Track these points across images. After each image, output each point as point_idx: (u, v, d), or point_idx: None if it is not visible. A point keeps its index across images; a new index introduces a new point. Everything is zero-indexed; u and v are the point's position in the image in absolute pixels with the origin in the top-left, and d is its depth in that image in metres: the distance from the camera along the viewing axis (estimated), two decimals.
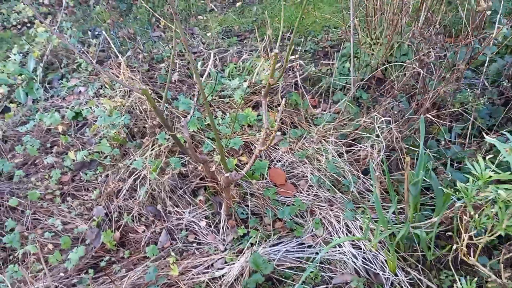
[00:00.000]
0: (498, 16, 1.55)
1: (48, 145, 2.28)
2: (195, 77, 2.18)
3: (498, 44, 1.76)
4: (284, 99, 1.24)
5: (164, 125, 1.59)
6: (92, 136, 2.28)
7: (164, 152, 2.03)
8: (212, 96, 2.33)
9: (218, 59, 2.69)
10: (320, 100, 2.25)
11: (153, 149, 2.06)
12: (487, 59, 1.67)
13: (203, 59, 2.70)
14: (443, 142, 1.71)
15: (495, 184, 1.01)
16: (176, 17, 1.21)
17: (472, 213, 1.01)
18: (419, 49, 1.59)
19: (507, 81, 1.68)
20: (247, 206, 1.81)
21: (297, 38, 2.75)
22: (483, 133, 1.60)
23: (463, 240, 1.13)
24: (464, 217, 1.09)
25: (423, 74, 1.52)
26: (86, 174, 2.08)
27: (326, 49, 2.59)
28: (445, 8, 2.02)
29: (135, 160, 2.02)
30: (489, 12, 1.73)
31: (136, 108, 2.19)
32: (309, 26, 2.81)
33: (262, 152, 1.79)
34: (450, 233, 1.34)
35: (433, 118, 1.52)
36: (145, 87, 2.38)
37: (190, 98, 2.29)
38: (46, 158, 2.16)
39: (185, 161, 2.00)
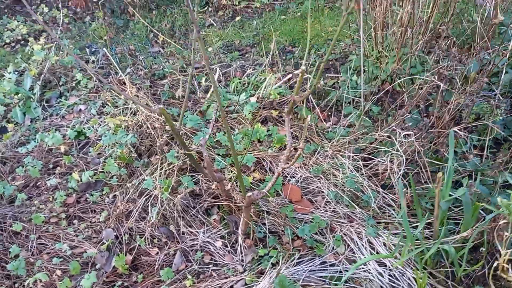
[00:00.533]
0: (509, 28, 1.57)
1: (50, 166, 2.19)
2: (214, 92, 2.14)
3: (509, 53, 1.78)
4: (308, 116, 1.21)
5: (181, 144, 1.54)
6: (96, 155, 2.20)
7: (174, 171, 1.98)
8: (219, 112, 2.28)
9: (221, 74, 2.66)
10: (330, 114, 2.23)
11: (162, 168, 2.00)
12: (503, 70, 1.68)
13: (205, 74, 2.66)
14: (460, 155, 1.70)
15: None
16: (196, 32, 1.17)
17: None
18: (438, 61, 1.58)
19: None
20: (264, 224, 1.76)
21: (300, 52, 2.75)
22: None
23: (504, 255, 1.10)
24: (506, 233, 1.06)
25: (442, 87, 1.52)
26: (92, 195, 2.00)
27: (331, 62, 2.59)
28: (451, 20, 2.04)
29: (144, 179, 1.95)
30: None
31: (143, 126, 2.13)
32: (312, 40, 2.81)
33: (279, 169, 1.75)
34: (482, 248, 1.32)
35: (459, 131, 1.51)
36: (153, 104, 2.32)
37: (197, 114, 2.25)
38: (49, 179, 2.08)
39: (197, 179, 1.94)
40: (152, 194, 1.90)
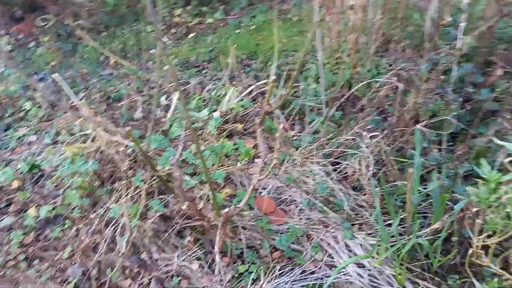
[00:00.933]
0: (461, 27, 1.67)
1: (3, 204, 2.03)
2: (180, 108, 2.08)
3: (455, 52, 1.88)
4: (281, 124, 1.21)
5: (150, 166, 1.48)
6: (54, 188, 2.07)
7: (142, 195, 1.89)
8: (182, 130, 2.24)
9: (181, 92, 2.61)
10: (293, 122, 2.25)
11: (128, 193, 1.91)
12: (455, 68, 1.78)
13: (164, 93, 2.61)
14: (421, 151, 1.77)
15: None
16: (162, 47, 1.14)
17: (490, 216, 1.02)
18: (391, 65, 1.65)
19: (470, 87, 1.79)
20: (240, 240, 1.73)
21: (257, 64, 2.76)
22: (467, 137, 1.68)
23: (477, 243, 1.14)
24: (477, 220, 1.10)
25: (400, 88, 1.58)
26: (53, 231, 1.87)
27: (289, 72, 2.63)
28: (401, 24, 2.15)
29: (109, 208, 1.85)
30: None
31: (104, 152, 2.03)
32: (268, 52, 2.84)
33: (254, 181, 1.73)
34: (453, 238, 1.36)
35: (424, 129, 1.57)
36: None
37: (159, 134, 2.18)
38: (3, 219, 1.92)
39: (167, 201, 1.87)
40: (120, 222, 1.81)
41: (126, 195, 1.92)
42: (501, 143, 0.97)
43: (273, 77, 1.17)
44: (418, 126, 1.49)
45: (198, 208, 1.71)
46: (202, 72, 2.86)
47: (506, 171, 1.07)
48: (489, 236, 1.12)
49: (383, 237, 1.43)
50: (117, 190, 1.96)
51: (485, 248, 1.16)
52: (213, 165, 2.01)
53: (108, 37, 3.29)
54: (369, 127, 1.91)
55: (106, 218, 1.85)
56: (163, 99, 2.48)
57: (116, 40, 3.23)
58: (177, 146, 2.22)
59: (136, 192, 1.91)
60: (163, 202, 1.87)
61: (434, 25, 1.78)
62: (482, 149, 1.68)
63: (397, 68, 1.64)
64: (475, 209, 1.09)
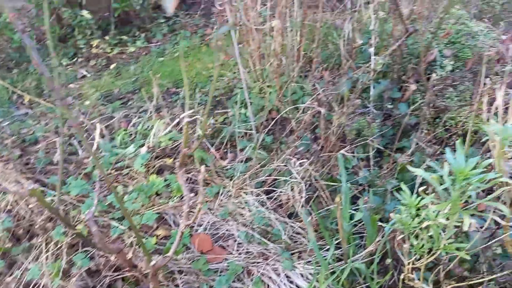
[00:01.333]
0: (372, 49, 1.74)
1: None
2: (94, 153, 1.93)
3: (371, 71, 1.96)
4: (203, 166, 1.15)
5: (65, 224, 1.33)
6: None
7: (64, 250, 1.72)
8: (107, 170, 2.09)
9: (104, 128, 2.45)
10: (226, 151, 2.20)
11: (48, 249, 1.73)
12: (371, 86, 1.85)
13: (86, 130, 2.43)
14: (350, 171, 1.80)
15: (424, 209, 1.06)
16: (60, 101, 1.03)
17: (413, 242, 1.03)
18: (314, 85, 1.67)
19: (389, 103, 1.87)
20: (177, 286, 1.62)
21: (184, 92, 2.69)
22: (391, 153, 1.72)
23: (408, 266, 1.15)
24: (404, 245, 1.11)
25: (323, 112, 1.60)
26: None
27: (217, 98, 2.58)
28: (319, 45, 2.20)
29: (27, 268, 1.65)
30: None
31: (17, 206, 1.83)
32: (194, 78, 2.78)
33: (181, 227, 1.64)
34: (387, 259, 1.38)
35: (346, 153, 1.59)
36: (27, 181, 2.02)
37: (81, 179, 2.01)
38: None
39: (93, 253, 1.71)
40: (40, 283, 1.62)
41: (47, 251, 1.73)
42: (414, 170, 0.98)
43: (186, 120, 1.10)
44: (342, 151, 1.51)
45: (128, 258, 1.58)
46: (128, 104, 2.72)
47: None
48: (419, 258, 1.14)
49: (321, 264, 1.41)
50: (35, 247, 1.76)
51: (417, 269, 1.18)
52: (142, 206, 1.88)
53: (20, 74, 3.03)
54: (300, 149, 1.91)
55: (24, 281, 1.64)
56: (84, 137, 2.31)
57: (29, 77, 2.98)
58: (101, 190, 2.06)
59: (58, 247, 1.73)
60: (89, 254, 1.71)
61: (350, 44, 1.84)
62: (406, 163, 1.74)
63: (317, 93, 1.66)
64: (400, 236, 1.10)
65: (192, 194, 2.03)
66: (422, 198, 1.03)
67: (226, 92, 2.64)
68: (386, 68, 2.05)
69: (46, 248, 1.73)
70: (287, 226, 1.73)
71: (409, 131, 1.93)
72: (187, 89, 1.14)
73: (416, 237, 1.10)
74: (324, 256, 1.47)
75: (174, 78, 2.80)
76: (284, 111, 1.93)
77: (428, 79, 1.85)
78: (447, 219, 0.94)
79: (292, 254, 1.66)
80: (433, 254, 1.08)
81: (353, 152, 1.89)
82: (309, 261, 1.61)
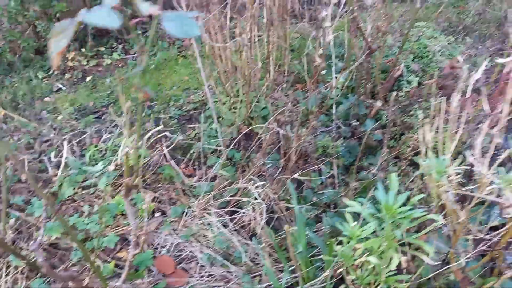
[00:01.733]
0: (333, 68, 1.72)
1: None
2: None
3: (333, 88, 1.94)
4: (148, 194, 1.12)
5: (13, 253, 1.30)
6: None
7: (24, 274, 1.69)
8: (74, 189, 2.06)
9: (75, 144, 2.43)
10: (195, 167, 2.18)
11: (8, 273, 1.70)
12: (338, 102, 1.83)
13: (57, 147, 2.40)
14: (317, 187, 1.77)
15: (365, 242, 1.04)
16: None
17: (354, 275, 1.01)
18: (274, 109, 1.65)
19: (355, 120, 1.84)
20: None
21: (159, 105, 2.67)
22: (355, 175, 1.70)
23: None
24: (347, 277, 1.09)
25: (282, 132, 1.58)
26: None
27: (190, 112, 2.56)
28: (289, 57, 2.18)
29: None
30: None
31: None
32: (169, 91, 2.75)
33: (129, 256, 1.62)
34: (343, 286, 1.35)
35: (300, 177, 1.57)
36: None
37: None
38: None
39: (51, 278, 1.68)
40: None
41: (7, 275, 1.71)
42: (350, 203, 0.96)
43: (125, 151, 1.08)
44: (296, 175, 1.48)
45: (84, 285, 1.55)
46: (102, 118, 2.70)
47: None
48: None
49: None
50: None
51: None
52: (106, 227, 1.86)
53: None
54: (268, 166, 1.89)
55: None
56: (53, 154, 2.28)
57: (4, 90, 2.96)
58: (67, 209, 2.04)
59: (17, 271, 1.70)
60: (49, 279, 1.68)
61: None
62: (369, 181, 1.72)
63: (278, 113, 1.64)
64: (341, 269, 1.08)
65: (158, 214, 2.01)
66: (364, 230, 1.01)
67: (200, 105, 2.62)
68: (354, 83, 2.02)
69: (6, 272, 1.70)
70: (249, 248, 1.70)
71: (376, 147, 1.90)
72: (127, 118, 1.11)
73: (361, 267, 1.07)
74: (281, 280, 1.45)
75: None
76: (249, 128, 1.91)
77: (396, 95, 1.82)
78: (381, 255, 0.92)
79: (253, 277, 1.64)
80: (377, 285, 1.06)
81: (320, 170, 1.86)
82: (270, 285, 1.58)
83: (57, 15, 2.97)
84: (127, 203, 1.24)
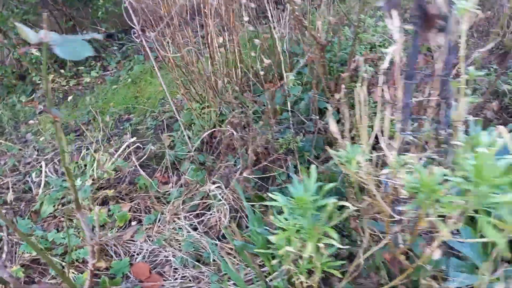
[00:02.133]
0: (282, 66, 1.77)
1: None
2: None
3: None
4: (97, 207, 1.18)
5: None
6: None
7: None
8: (54, 206, 2.14)
9: (57, 162, 2.51)
10: (170, 174, 2.24)
11: None
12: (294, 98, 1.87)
13: (40, 167, 2.49)
14: (282, 184, 1.82)
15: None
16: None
17: (292, 265, 1.05)
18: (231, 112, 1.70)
19: (314, 114, 1.89)
20: None
21: (136, 118, 2.74)
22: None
23: (300, 285, 1.17)
24: (288, 266, 1.14)
25: (235, 135, 1.63)
26: None
27: (167, 121, 2.63)
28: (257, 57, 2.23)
29: None
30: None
31: None
32: (146, 103, 2.83)
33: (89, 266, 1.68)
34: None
35: (249, 177, 1.62)
36: None
37: (28, 218, 2.07)
38: None
39: None
40: None
41: None
42: (274, 197, 1.00)
43: (70, 184, 1.13)
44: (245, 173, 1.53)
45: None
46: (83, 135, 2.78)
47: None
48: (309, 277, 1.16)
49: (239, 285, 1.44)
50: None
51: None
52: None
53: None
54: (238, 167, 1.94)
55: None
56: (34, 175, 2.37)
57: None
58: (49, 226, 2.11)
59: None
60: None
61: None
62: (332, 173, 1.75)
63: (232, 116, 1.69)
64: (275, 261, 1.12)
65: (135, 223, 2.07)
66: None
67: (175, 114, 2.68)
68: (316, 80, 2.06)
69: None
70: (218, 248, 1.76)
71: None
72: (63, 143, 1.17)
73: (301, 257, 1.12)
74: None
75: (126, 104, 2.85)
76: (211, 131, 1.96)
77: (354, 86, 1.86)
78: (302, 243, 0.96)
79: (223, 275, 1.69)
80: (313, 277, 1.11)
81: (288, 167, 1.91)
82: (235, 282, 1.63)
83: None
84: (81, 217, 1.30)
